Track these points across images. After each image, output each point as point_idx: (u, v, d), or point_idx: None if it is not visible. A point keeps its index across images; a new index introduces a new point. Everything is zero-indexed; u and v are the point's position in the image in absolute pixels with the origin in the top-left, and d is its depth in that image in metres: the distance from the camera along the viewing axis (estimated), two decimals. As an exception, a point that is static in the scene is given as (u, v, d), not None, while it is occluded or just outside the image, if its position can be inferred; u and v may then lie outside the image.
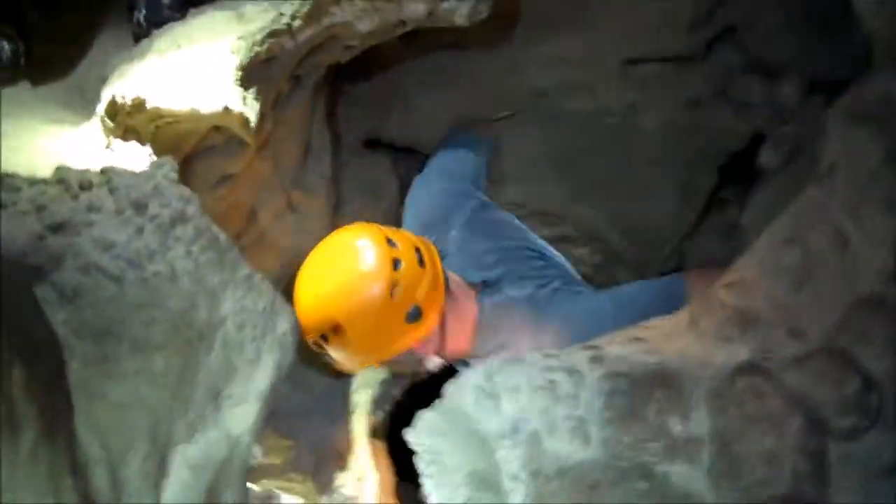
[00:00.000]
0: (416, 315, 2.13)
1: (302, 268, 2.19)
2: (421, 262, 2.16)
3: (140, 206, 1.59)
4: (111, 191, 1.61)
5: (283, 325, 1.67)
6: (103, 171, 1.67)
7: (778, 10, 2.87)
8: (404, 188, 2.93)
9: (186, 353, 1.51)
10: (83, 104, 2.31)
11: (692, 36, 2.89)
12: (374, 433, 2.75)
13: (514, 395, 1.28)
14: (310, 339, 2.14)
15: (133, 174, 1.65)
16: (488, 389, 1.30)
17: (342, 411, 2.69)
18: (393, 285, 2.09)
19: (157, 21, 2.38)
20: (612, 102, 2.92)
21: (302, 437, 2.52)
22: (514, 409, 1.27)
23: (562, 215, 3.19)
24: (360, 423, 2.70)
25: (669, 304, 1.97)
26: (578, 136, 3.03)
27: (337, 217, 2.76)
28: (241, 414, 1.61)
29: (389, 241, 2.14)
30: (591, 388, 1.27)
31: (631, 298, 2.26)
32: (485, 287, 2.35)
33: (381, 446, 2.79)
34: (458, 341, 2.31)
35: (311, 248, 2.36)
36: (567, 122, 3.00)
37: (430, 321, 2.18)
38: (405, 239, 2.20)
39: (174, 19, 2.34)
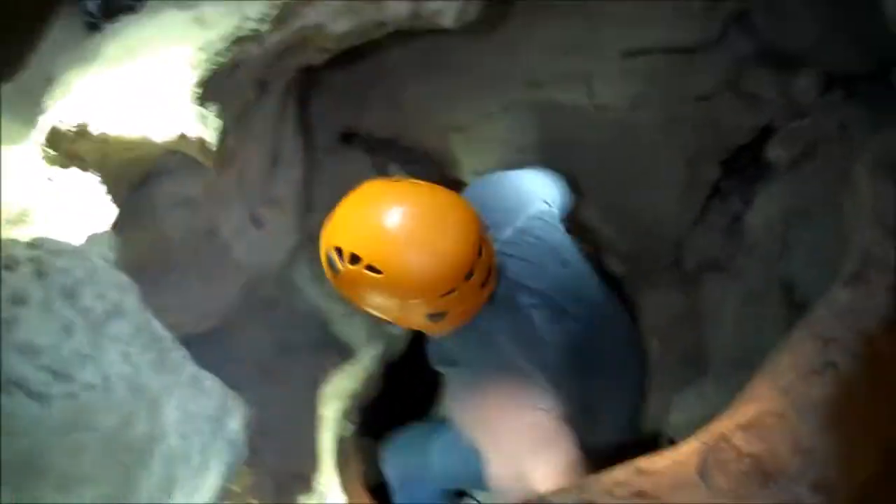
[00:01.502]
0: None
1: (412, 235, 1.88)
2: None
3: (71, 296, 1.38)
4: (39, 275, 1.40)
5: (234, 423, 1.49)
6: (31, 244, 1.45)
7: (795, -7, 2.64)
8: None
9: (122, 479, 1.33)
10: (31, 108, 2.06)
11: (701, 24, 2.65)
12: (343, 451, 2.59)
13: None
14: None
15: (64, 250, 1.44)
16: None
17: (307, 428, 2.51)
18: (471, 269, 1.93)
19: (112, 11, 2.13)
20: (610, 97, 2.69)
21: (262, 460, 2.35)
22: None
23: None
24: (327, 441, 2.53)
25: None
26: (573, 128, 2.81)
27: (307, 226, 2.54)
28: (187, 528, 1.43)
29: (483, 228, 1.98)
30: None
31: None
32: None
33: (353, 465, 2.65)
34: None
35: (277, 265, 2.19)
36: (562, 113, 2.77)
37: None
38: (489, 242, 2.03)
39: (129, 9, 2.10)
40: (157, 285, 2.11)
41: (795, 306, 2.39)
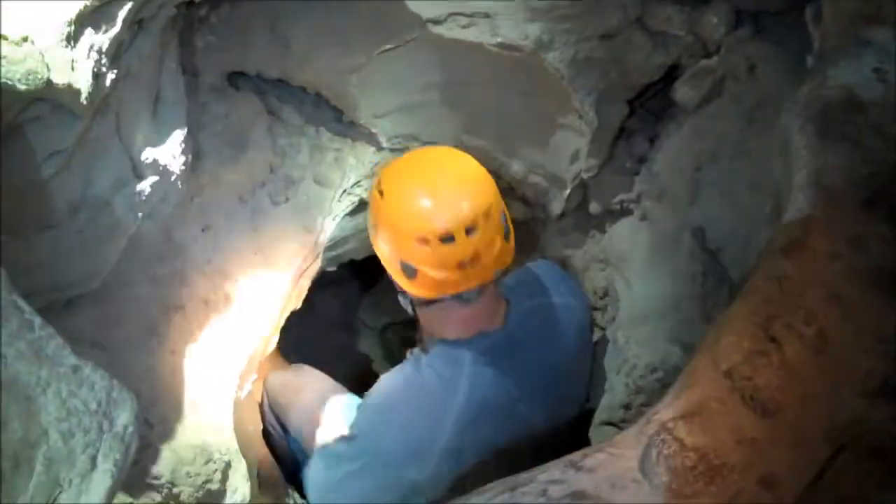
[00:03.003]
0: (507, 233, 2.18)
1: (411, 176, 2.13)
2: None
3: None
4: None
5: (123, 418, 1.33)
6: None
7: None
8: (276, 132, 2.54)
9: (-6, 489, 1.16)
10: None
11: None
12: (240, 413, 2.45)
13: None
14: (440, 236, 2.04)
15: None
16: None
17: (202, 393, 2.35)
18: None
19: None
20: (514, 35, 2.54)
21: (156, 431, 2.19)
22: None
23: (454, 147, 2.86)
24: (226, 405, 2.38)
25: None
26: (476, 68, 2.66)
27: (195, 175, 2.35)
28: (73, 533, 1.28)
29: None
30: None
31: None
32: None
33: (251, 427, 2.51)
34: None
35: (163, 218, 2.24)
36: (464, 52, 2.61)
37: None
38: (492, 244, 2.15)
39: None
40: (33, 247, 1.92)
41: (708, 252, 2.34)
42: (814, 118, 1.56)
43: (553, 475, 1.20)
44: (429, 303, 2.20)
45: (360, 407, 2.32)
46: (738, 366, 1.23)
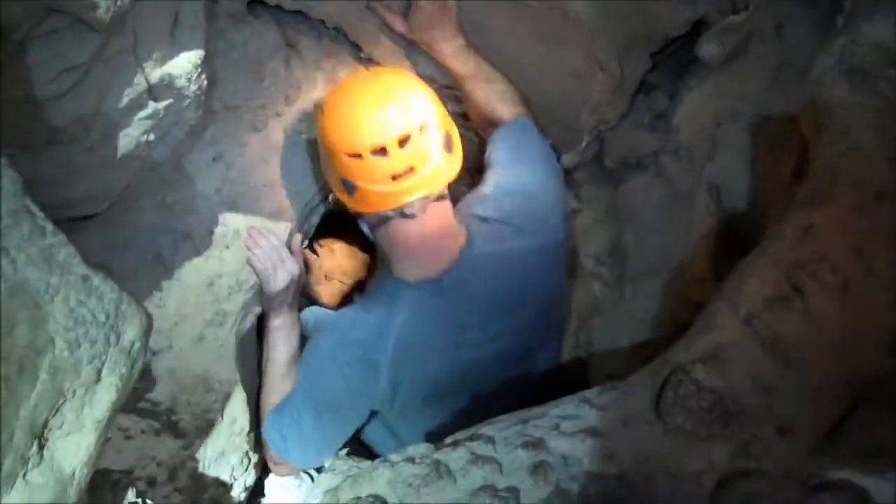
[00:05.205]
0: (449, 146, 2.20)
1: (346, 93, 2.18)
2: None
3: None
4: None
5: (131, 333, 1.31)
6: None
7: None
8: (293, 64, 2.50)
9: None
10: None
11: None
12: (243, 346, 2.43)
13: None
14: (378, 146, 2.09)
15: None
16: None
17: (207, 324, 2.34)
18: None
19: None
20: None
21: (159, 365, 2.19)
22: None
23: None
24: (230, 338, 2.36)
25: None
26: (498, 13, 2.62)
27: (209, 102, 2.31)
28: (75, 445, 1.27)
29: None
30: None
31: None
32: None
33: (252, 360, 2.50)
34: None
35: (175, 143, 2.23)
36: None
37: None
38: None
39: None
40: (42, 162, 1.90)
41: (723, 211, 2.31)
42: (846, 72, 1.53)
43: (566, 410, 1.19)
44: (380, 223, 2.23)
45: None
46: (760, 312, 1.21)
